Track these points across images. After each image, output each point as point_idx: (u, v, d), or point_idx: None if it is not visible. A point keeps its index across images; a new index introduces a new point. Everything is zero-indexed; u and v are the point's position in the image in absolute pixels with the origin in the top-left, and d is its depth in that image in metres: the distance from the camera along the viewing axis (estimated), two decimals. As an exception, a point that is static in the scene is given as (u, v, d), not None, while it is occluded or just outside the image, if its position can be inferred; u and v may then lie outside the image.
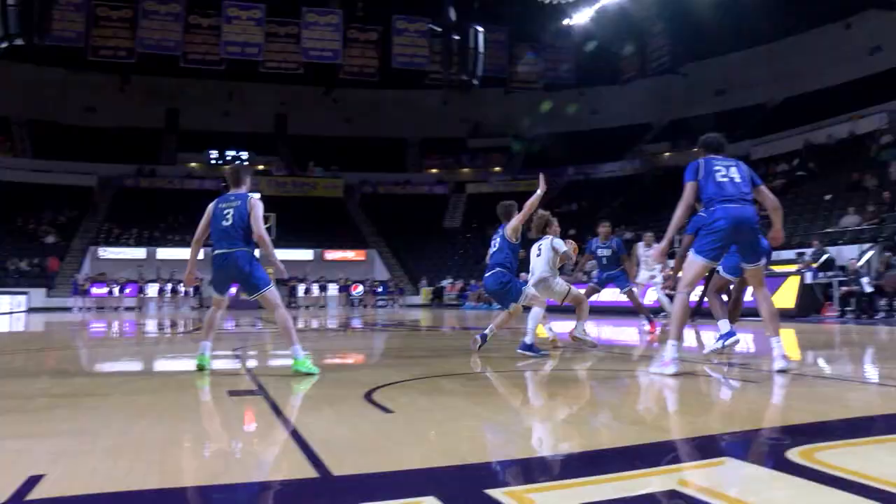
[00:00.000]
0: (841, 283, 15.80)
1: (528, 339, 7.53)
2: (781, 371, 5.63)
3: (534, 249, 8.28)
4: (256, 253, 6.12)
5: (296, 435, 3.50)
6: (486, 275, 7.88)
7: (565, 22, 37.57)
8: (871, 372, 6.37)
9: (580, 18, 36.87)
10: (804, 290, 15.53)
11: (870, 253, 17.61)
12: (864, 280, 15.08)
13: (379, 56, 39.49)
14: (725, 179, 5.83)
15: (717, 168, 5.88)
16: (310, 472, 2.78)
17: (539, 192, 7.47)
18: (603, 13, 35.89)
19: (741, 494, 2.41)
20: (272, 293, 6.11)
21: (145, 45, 36.01)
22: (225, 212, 6.08)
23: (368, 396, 4.73)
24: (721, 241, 5.77)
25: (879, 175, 24.45)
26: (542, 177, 7.57)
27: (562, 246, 8.07)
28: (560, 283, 8.19)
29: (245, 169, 6.61)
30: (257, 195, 6.28)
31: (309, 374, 5.86)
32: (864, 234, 19.58)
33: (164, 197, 42.19)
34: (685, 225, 6.78)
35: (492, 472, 2.78)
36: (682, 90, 43.60)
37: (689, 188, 5.94)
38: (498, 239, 7.84)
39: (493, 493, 2.40)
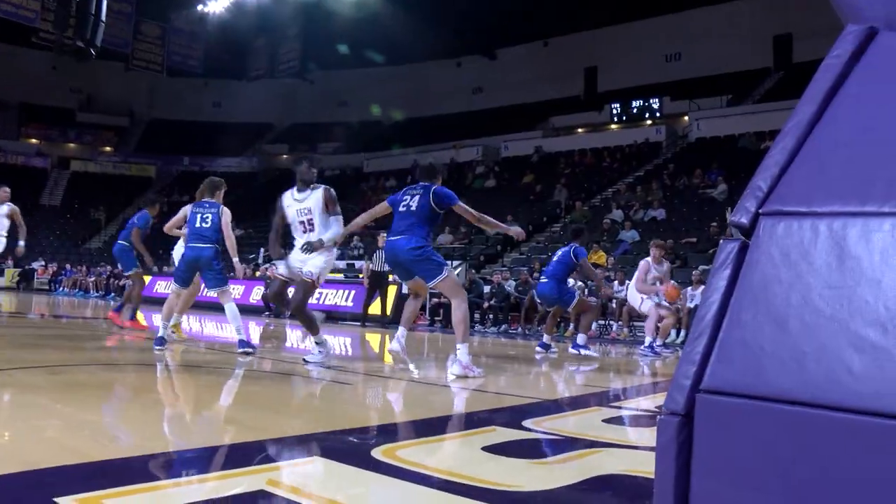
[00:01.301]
0: (431, 296, 17.21)
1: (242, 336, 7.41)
2: (457, 374, 6.03)
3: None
4: None
5: None
6: (201, 247, 7.56)
7: (199, 7, 36.34)
8: (451, 376, 6.99)
9: (215, 7, 35.92)
10: (401, 299, 16.63)
11: (459, 269, 19.45)
12: (453, 294, 16.62)
13: (-29, -3, 34.37)
14: (403, 210, 6.33)
15: (404, 198, 6.42)
16: None
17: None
18: (239, 6, 35.35)
19: (327, 492, 2.47)
20: None
21: None
22: None
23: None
24: (391, 268, 6.97)
25: (472, 201, 27.18)
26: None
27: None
28: None
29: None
30: None
31: None
32: (456, 252, 21.61)
33: None
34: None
35: (66, 478, 2.51)
36: (307, 96, 44.47)
37: (382, 205, 6.75)
38: (210, 215, 7.61)
39: (64, 500, 2.16)
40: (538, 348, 9.79)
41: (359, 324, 15.42)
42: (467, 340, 6.23)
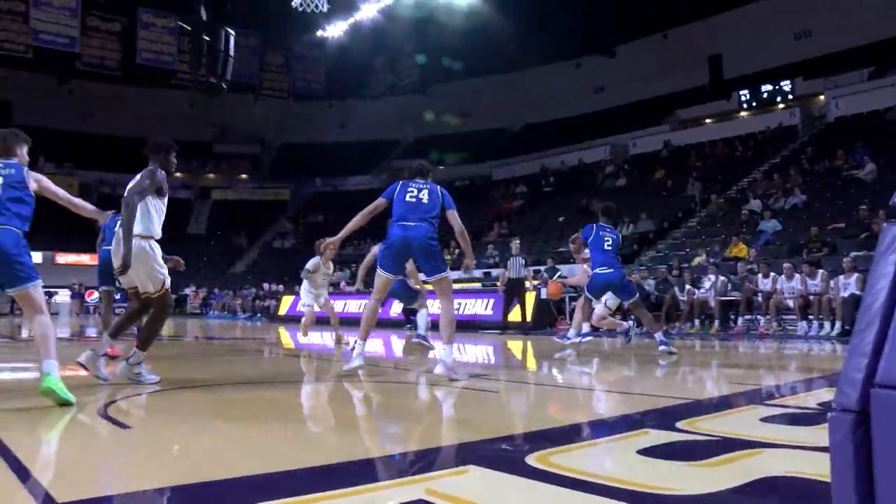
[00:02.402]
0: (572, 300, 17.06)
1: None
2: (439, 374, 6.06)
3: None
4: None
5: (11, 459, 3.04)
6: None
7: (319, 33, 37.54)
8: (595, 379, 6.91)
9: (334, 31, 37.01)
10: (539, 304, 16.56)
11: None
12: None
13: (122, 49, 36.92)
14: (413, 200, 6.40)
15: (409, 190, 6.48)
16: (27, 501, 2.44)
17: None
18: (356, 28, 36.28)
19: (485, 501, 2.48)
20: (40, 291, 4.79)
21: None
22: None
23: (103, 411, 4.36)
24: (392, 256, 6.48)
25: (603, 200, 26.68)
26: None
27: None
28: None
29: (17, 136, 5.29)
30: None
31: (55, 397, 4.42)
32: (590, 253, 21.29)
33: None
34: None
35: (235, 489, 2.64)
36: (429, 110, 45.14)
37: (377, 202, 6.61)
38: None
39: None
40: (580, 339, 9.91)
41: (499, 331, 15.46)
42: (453, 342, 6.31)
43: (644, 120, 33.83)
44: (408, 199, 6.44)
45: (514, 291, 15.34)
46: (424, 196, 6.42)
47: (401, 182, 6.64)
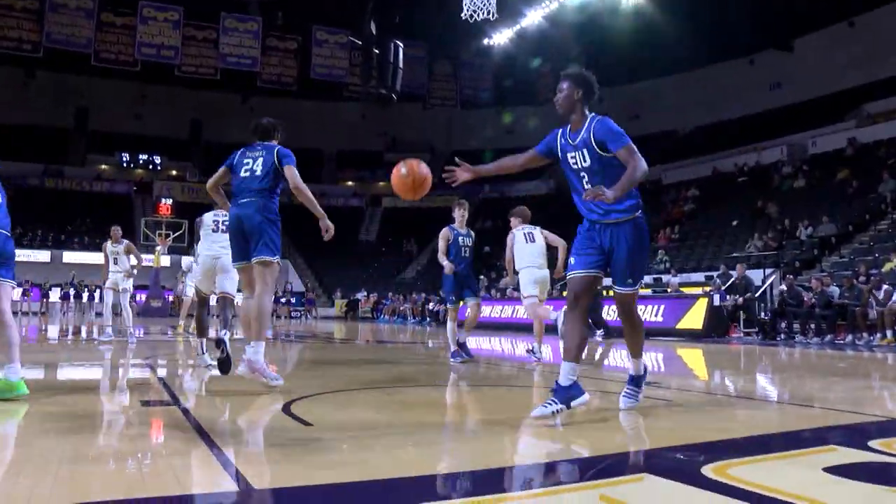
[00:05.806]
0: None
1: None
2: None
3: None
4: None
5: (213, 447, 3.37)
6: None
7: (485, 41, 37.98)
8: (772, 391, 6.59)
9: (499, 38, 37.31)
10: (712, 311, 15.98)
11: (772, 277, 18.29)
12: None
13: (298, 66, 39.04)
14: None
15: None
16: (230, 486, 2.69)
17: None
18: (522, 34, 36.42)
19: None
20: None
21: (53, 39, 34.22)
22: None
23: (287, 408, 4.62)
24: None
25: (781, 203, 25.49)
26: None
27: None
28: None
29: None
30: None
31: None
32: (767, 259, 20.35)
33: (71, 198, 40.25)
34: None
35: (413, 487, 2.72)
36: (598, 113, 44.44)
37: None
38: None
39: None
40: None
41: (671, 338, 15.12)
42: (263, 339, 5.37)
43: (825, 117, 31.77)
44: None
45: None
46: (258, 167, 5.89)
47: None
